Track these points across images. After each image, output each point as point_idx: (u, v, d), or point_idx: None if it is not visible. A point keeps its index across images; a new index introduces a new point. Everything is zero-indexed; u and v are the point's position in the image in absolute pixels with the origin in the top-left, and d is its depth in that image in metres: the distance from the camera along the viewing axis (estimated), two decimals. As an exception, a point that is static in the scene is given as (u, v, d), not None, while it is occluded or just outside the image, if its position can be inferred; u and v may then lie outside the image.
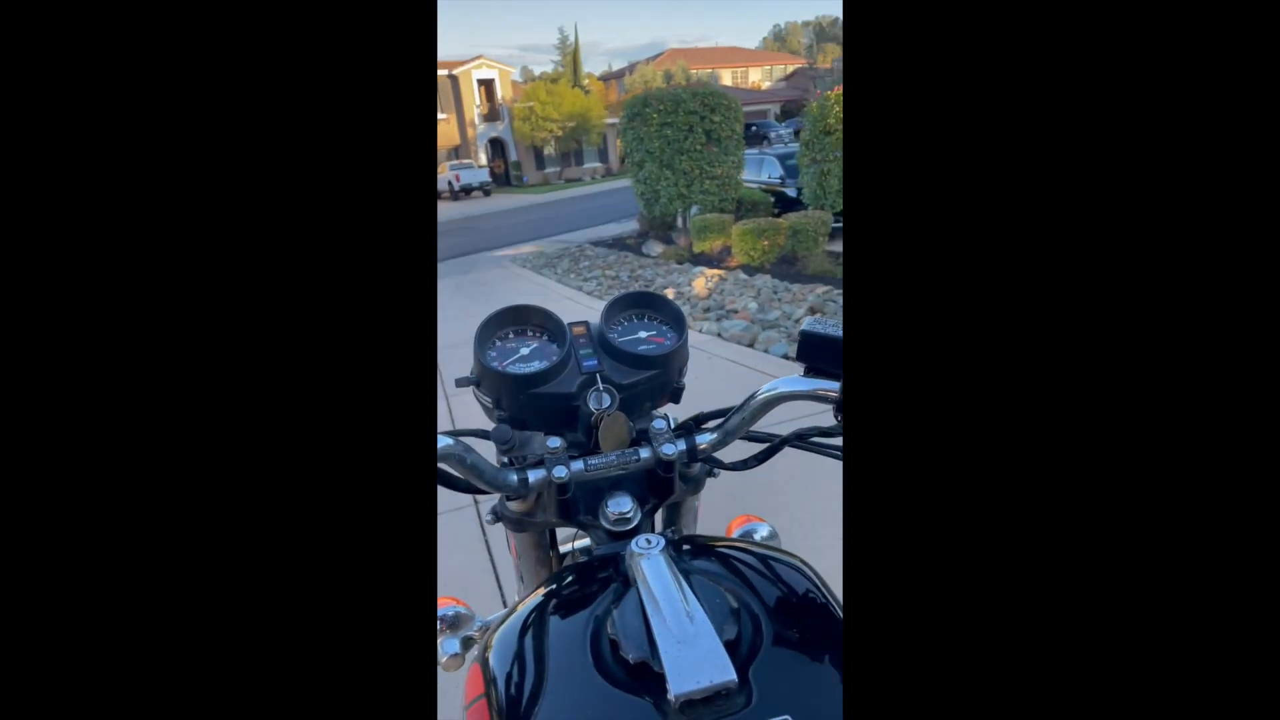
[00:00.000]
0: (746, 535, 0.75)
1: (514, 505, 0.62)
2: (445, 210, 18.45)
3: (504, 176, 25.68)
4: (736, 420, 0.60)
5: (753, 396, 0.59)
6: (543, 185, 24.73)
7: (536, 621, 0.47)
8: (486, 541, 2.01)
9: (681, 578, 0.44)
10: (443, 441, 0.51)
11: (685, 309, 4.67)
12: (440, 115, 24.60)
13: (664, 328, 0.68)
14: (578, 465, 0.57)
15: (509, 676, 0.44)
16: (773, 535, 0.75)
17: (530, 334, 0.66)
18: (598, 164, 27.62)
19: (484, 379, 0.61)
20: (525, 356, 0.63)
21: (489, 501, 0.64)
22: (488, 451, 0.61)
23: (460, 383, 0.62)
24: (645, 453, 0.59)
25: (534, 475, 0.57)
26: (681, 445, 0.60)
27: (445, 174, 21.55)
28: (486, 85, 25.52)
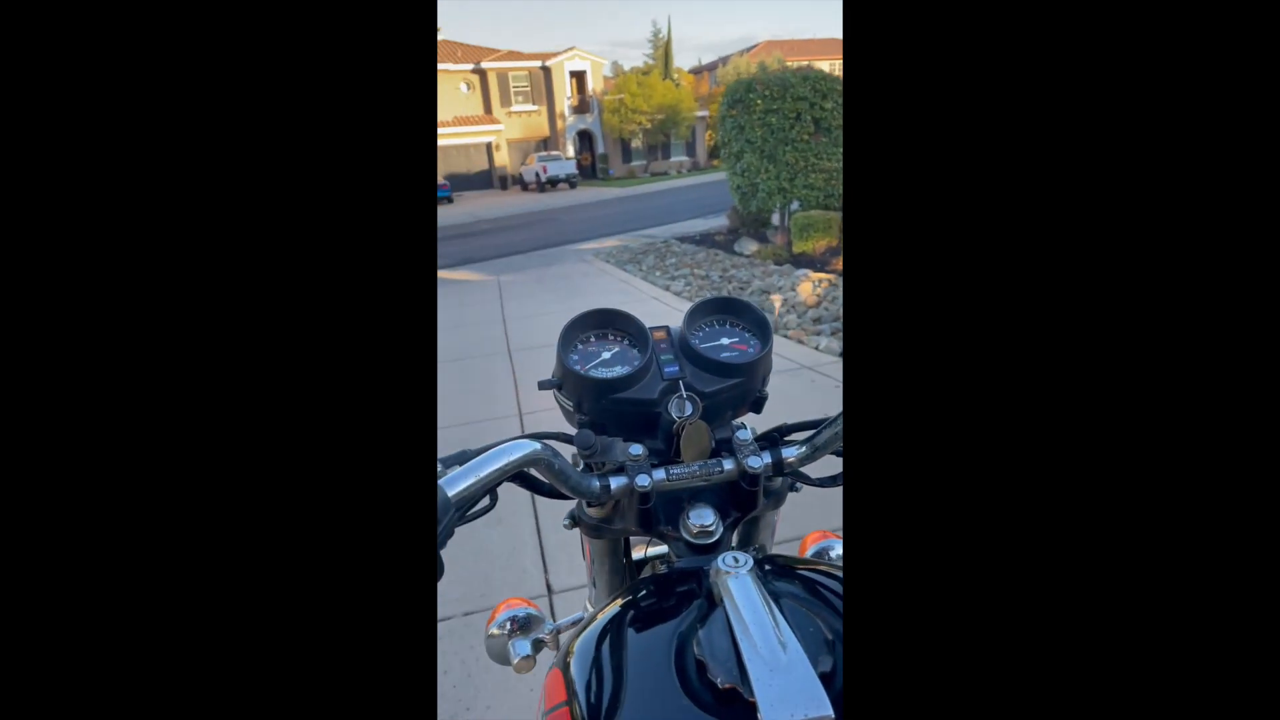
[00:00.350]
0: (822, 553, 0.73)
1: (592, 511, 0.60)
2: (531, 201, 18.55)
3: (590, 169, 25.63)
4: (828, 435, 0.57)
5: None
6: (628, 179, 24.49)
7: (618, 632, 0.47)
8: (542, 549, 1.88)
9: (771, 601, 0.42)
10: (532, 446, 0.49)
11: (791, 318, 4.09)
12: (531, 107, 24.82)
13: (747, 335, 0.65)
14: (660, 474, 0.56)
15: (590, 686, 0.43)
16: None
17: (612, 338, 0.64)
18: (684, 158, 27.11)
19: (566, 382, 0.61)
20: (607, 361, 0.62)
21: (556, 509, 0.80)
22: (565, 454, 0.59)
23: (543, 385, 0.62)
24: (729, 464, 0.57)
25: (616, 482, 0.56)
26: (767, 458, 0.57)
27: (533, 165, 21.70)
28: (578, 77, 25.50)
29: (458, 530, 0.43)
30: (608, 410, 0.59)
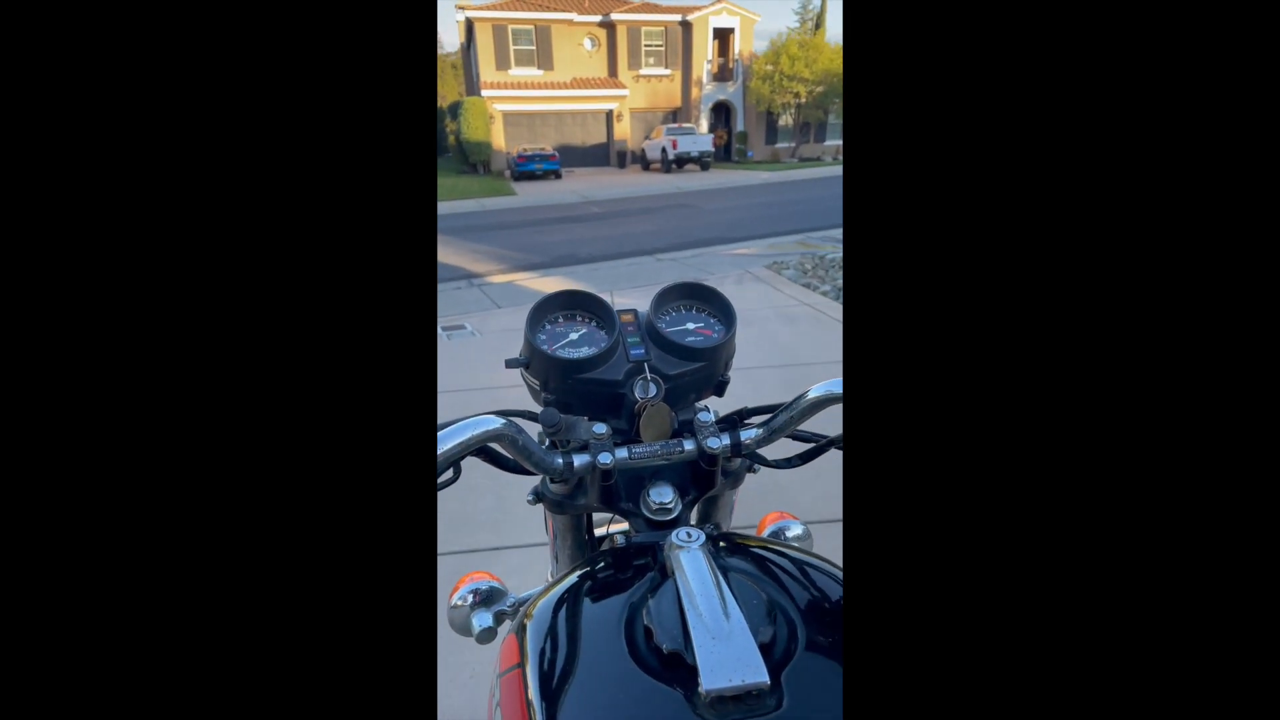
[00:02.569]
0: (778, 533, 0.77)
1: (556, 487, 0.63)
2: (655, 182, 15.69)
3: (724, 149, 22.42)
4: (783, 418, 0.62)
5: (802, 395, 0.61)
6: (771, 162, 21.10)
7: (573, 600, 0.50)
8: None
9: (720, 574, 0.46)
10: (496, 422, 0.52)
11: None
12: (663, 71, 21.98)
13: (712, 320, 0.69)
14: (622, 453, 0.60)
15: (543, 651, 0.46)
16: (805, 535, 0.76)
17: (580, 319, 0.67)
18: (841, 142, 23.25)
19: (533, 361, 0.63)
20: (574, 341, 0.65)
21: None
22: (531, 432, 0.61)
23: (510, 363, 0.65)
24: (689, 444, 0.61)
25: (579, 460, 0.59)
26: (726, 440, 0.61)
27: (659, 139, 18.90)
28: (722, 37, 22.34)
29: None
30: (573, 390, 0.62)
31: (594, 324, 0.67)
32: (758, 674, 0.38)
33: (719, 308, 0.69)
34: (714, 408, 0.65)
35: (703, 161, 18.34)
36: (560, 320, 0.67)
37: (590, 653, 0.44)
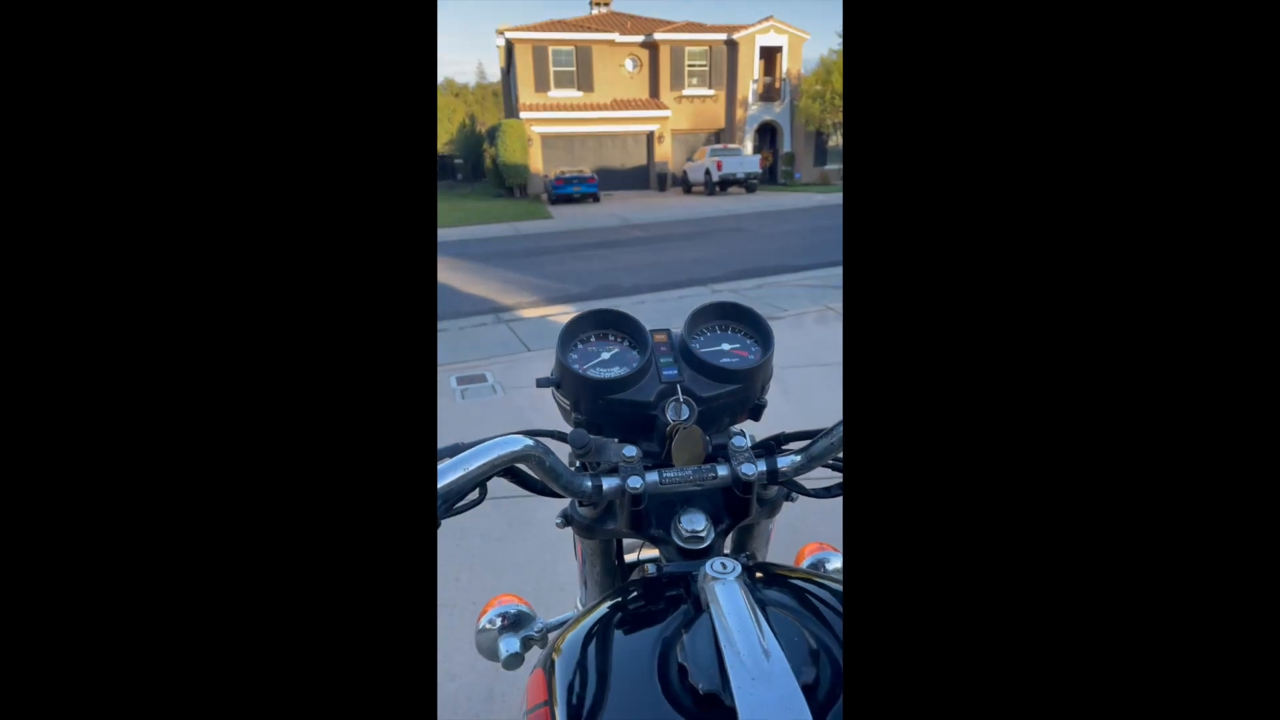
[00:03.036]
0: (818, 565, 0.74)
1: (585, 511, 0.61)
2: (700, 205, 14.95)
3: (769, 172, 21.61)
4: (823, 445, 0.59)
5: (843, 421, 0.58)
6: (820, 184, 20.21)
7: (602, 635, 0.48)
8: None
9: (758, 609, 0.44)
10: (523, 442, 0.51)
11: None
12: (706, 91, 21.40)
13: (749, 341, 0.68)
14: (652, 477, 0.58)
15: (572, 688, 0.44)
16: None
17: (613, 339, 0.67)
18: (894, 163, 22.18)
19: (564, 381, 0.63)
20: (606, 361, 0.64)
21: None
22: (560, 453, 0.60)
23: (541, 383, 0.64)
24: (723, 470, 0.59)
25: (608, 483, 0.57)
26: (762, 466, 0.59)
27: (702, 161, 18.22)
28: (768, 55, 21.69)
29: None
30: (604, 411, 0.61)
31: (626, 343, 0.66)
32: (801, 718, 0.36)
33: (755, 328, 0.68)
34: (750, 432, 0.62)
35: (748, 183, 17.56)
36: (592, 339, 0.66)
37: (621, 692, 0.42)
